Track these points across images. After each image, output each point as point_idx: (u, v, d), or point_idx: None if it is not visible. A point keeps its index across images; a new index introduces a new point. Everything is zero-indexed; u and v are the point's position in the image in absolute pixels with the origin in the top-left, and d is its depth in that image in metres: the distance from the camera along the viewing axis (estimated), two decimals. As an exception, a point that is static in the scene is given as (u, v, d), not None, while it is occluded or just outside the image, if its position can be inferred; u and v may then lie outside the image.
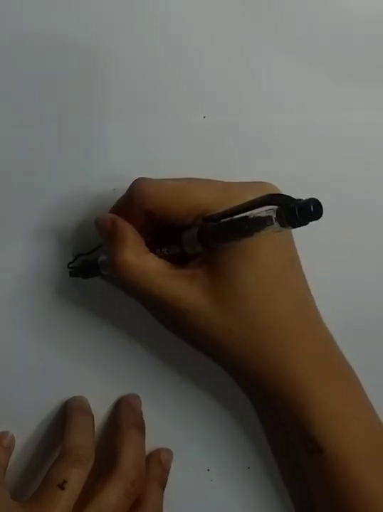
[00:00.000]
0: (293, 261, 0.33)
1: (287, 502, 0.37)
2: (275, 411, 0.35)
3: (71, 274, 0.36)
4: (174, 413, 0.37)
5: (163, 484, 0.35)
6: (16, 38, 0.37)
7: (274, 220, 0.26)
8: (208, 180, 0.32)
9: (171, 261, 0.32)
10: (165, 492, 0.36)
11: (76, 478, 0.31)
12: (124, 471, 0.32)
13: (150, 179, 0.32)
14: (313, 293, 0.33)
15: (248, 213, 0.27)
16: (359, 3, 0.39)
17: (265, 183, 0.32)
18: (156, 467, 0.35)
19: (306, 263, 0.33)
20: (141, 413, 0.36)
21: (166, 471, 0.36)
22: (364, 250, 0.38)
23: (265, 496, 0.37)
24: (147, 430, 0.36)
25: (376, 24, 0.39)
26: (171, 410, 0.37)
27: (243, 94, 0.38)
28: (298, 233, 0.30)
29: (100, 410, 0.37)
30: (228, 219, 0.28)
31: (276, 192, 0.31)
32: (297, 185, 0.38)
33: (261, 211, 0.26)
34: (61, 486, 0.30)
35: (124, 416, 0.35)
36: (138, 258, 0.31)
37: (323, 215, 0.25)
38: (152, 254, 0.32)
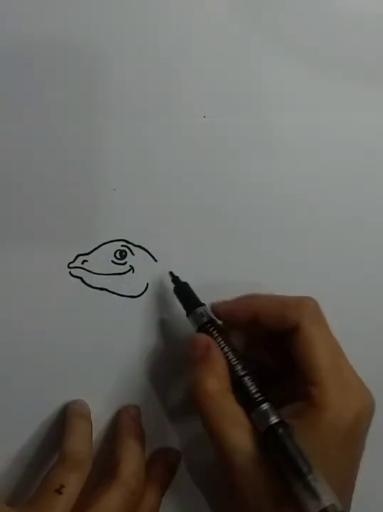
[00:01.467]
0: (357, 438, 0.31)
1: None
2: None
3: (71, 274, 0.36)
4: (174, 413, 0.37)
5: (164, 486, 0.35)
6: (16, 38, 0.37)
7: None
8: (346, 363, 0.32)
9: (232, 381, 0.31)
10: (165, 492, 0.36)
11: (73, 483, 0.30)
12: (125, 479, 0.32)
13: (321, 312, 0.32)
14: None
15: (314, 469, 0.27)
16: (359, 3, 0.39)
17: (372, 397, 0.31)
18: (159, 468, 0.35)
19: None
20: (141, 423, 0.36)
21: (172, 473, 0.35)
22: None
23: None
24: (147, 430, 0.36)
25: (376, 24, 0.39)
26: (172, 410, 0.37)
27: (243, 94, 0.38)
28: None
29: (101, 416, 0.37)
30: (294, 452, 0.28)
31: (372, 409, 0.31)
32: (297, 186, 0.38)
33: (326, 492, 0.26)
34: (58, 491, 0.30)
35: (125, 425, 0.35)
36: (219, 394, 0.30)
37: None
38: (233, 396, 0.31)
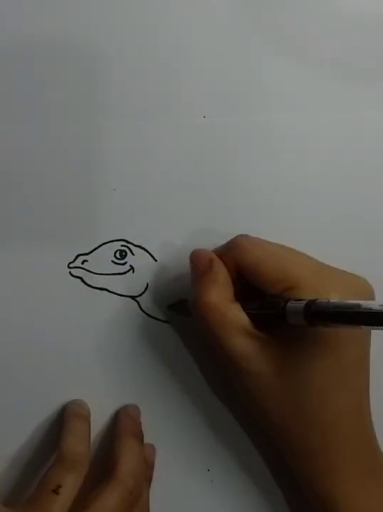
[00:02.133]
0: (364, 358, 0.32)
1: (288, 502, 0.37)
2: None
3: (71, 274, 0.36)
4: (174, 413, 0.37)
5: (149, 480, 0.35)
6: (16, 38, 0.37)
7: None
8: (305, 256, 0.33)
9: (252, 319, 0.32)
10: (165, 492, 0.36)
11: (70, 483, 0.30)
12: (123, 479, 0.32)
13: (253, 238, 0.33)
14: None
15: (361, 302, 0.26)
16: (359, 3, 0.39)
17: (359, 277, 0.32)
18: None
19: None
20: (140, 424, 0.36)
21: (151, 466, 0.36)
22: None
23: (265, 496, 0.37)
24: (147, 430, 0.36)
25: (376, 24, 0.39)
26: (172, 410, 0.37)
27: (243, 94, 0.38)
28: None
29: (100, 416, 0.37)
30: (340, 302, 0.28)
31: (369, 288, 0.32)
32: (297, 186, 0.38)
33: (374, 304, 0.26)
34: (56, 491, 0.30)
35: (124, 425, 0.35)
36: (223, 304, 0.31)
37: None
38: (238, 304, 0.32)
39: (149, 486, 0.35)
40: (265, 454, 0.37)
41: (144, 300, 0.37)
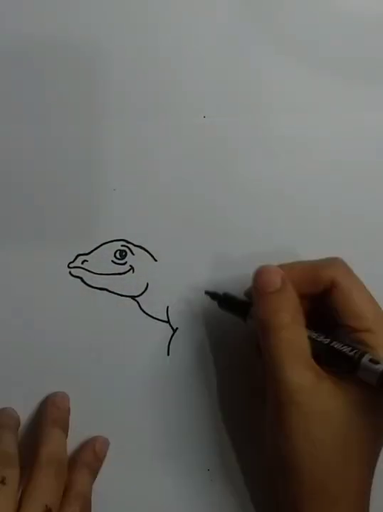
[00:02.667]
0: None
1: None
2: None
3: (71, 274, 0.36)
4: (174, 413, 0.37)
5: (93, 471, 0.36)
6: (16, 38, 0.37)
7: None
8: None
9: (316, 347, 0.31)
10: (165, 493, 0.36)
11: (11, 476, 0.32)
12: (45, 461, 0.33)
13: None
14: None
15: None
16: (359, 3, 0.39)
17: None
18: (89, 454, 0.36)
19: None
20: (67, 411, 0.36)
21: (100, 459, 0.36)
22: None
23: (265, 496, 0.37)
24: (147, 430, 0.36)
25: (376, 24, 0.39)
26: (172, 410, 0.37)
27: (243, 94, 0.38)
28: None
29: (100, 416, 0.37)
30: None
31: None
32: (297, 186, 0.38)
33: None
34: (2, 482, 0.32)
35: (48, 414, 0.36)
36: (296, 328, 0.30)
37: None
38: (307, 329, 0.31)
39: (94, 478, 0.36)
40: (265, 454, 0.37)
41: (144, 300, 0.37)
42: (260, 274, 0.32)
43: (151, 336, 0.37)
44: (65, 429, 0.36)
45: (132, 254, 0.37)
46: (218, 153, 0.38)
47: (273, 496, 0.33)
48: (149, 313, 0.37)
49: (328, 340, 0.31)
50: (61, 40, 0.38)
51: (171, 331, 0.37)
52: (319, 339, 0.31)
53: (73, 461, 0.35)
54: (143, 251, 0.37)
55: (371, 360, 0.29)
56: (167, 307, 0.37)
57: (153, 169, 0.38)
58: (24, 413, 0.36)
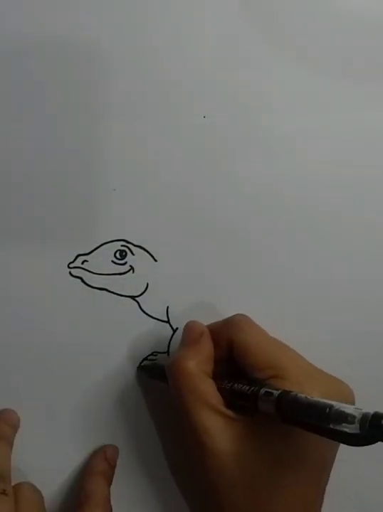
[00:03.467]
0: (328, 464, 0.32)
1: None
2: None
3: (71, 274, 0.36)
4: (174, 413, 0.37)
5: (109, 479, 0.36)
6: (16, 38, 0.37)
7: (357, 421, 0.24)
8: (297, 354, 0.33)
9: (225, 397, 0.32)
10: (166, 493, 0.36)
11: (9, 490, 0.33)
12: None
13: (252, 321, 0.34)
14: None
15: (334, 403, 0.26)
16: (359, 3, 0.39)
17: (345, 384, 0.32)
18: (102, 463, 0.36)
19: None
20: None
21: (112, 466, 0.36)
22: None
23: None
24: (147, 430, 0.36)
25: (376, 24, 0.39)
26: (172, 411, 0.37)
27: (243, 94, 0.38)
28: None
29: (100, 415, 0.37)
30: (312, 399, 0.27)
31: (351, 397, 0.31)
32: (297, 186, 0.38)
33: (347, 407, 0.25)
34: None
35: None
36: (199, 375, 0.31)
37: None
38: (212, 381, 0.32)
39: (110, 485, 0.36)
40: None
41: (144, 300, 0.37)
42: (184, 329, 0.35)
43: (151, 336, 0.37)
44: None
45: (132, 254, 0.37)
46: (218, 153, 0.38)
47: None
48: (149, 313, 0.37)
49: (230, 384, 0.31)
50: (61, 40, 0.37)
51: (171, 331, 0.37)
52: (223, 385, 0.32)
53: (88, 471, 0.36)
54: (143, 251, 0.37)
55: (266, 393, 0.29)
56: (167, 307, 0.37)
57: (153, 169, 0.38)
58: (24, 413, 0.36)
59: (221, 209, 0.38)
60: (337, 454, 0.32)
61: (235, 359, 0.33)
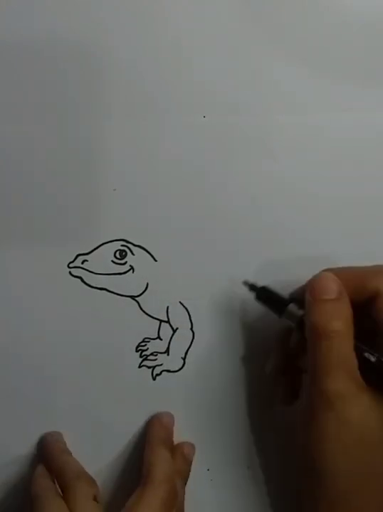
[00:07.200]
0: None
1: (287, 502, 0.37)
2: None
3: (71, 274, 0.36)
4: (174, 413, 0.37)
5: (185, 479, 0.36)
6: (16, 38, 0.37)
7: None
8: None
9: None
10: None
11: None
12: (159, 483, 0.33)
13: None
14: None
15: None
16: (359, 3, 0.39)
17: None
18: (180, 461, 0.36)
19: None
20: (172, 432, 0.36)
21: (189, 464, 0.36)
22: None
23: (265, 495, 0.37)
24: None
25: (376, 24, 0.39)
26: (172, 410, 0.37)
27: (243, 94, 0.38)
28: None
29: (100, 416, 0.37)
30: None
31: None
32: (297, 186, 0.38)
33: None
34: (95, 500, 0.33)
35: (156, 433, 0.36)
36: (347, 336, 0.30)
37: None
38: (356, 341, 0.31)
39: (185, 483, 0.36)
40: (265, 455, 0.37)
41: (144, 300, 0.37)
42: (318, 281, 0.32)
43: (152, 336, 0.37)
44: (172, 449, 0.36)
45: (132, 254, 0.37)
46: (218, 153, 0.38)
47: (296, 498, 0.33)
48: (149, 313, 0.37)
49: (375, 356, 0.31)
50: (61, 40, 0.37)
51: (171, 331, 0.37)
52: (366, 354, 0.31)
53: (148, 440, 0.35)
54: (143, 251, 0.37)
55: None
56: (167, 307, 0.37)
57: (153, 169, 0.38)
58: (24, 413, 0.36)
59: (221, 209, 0.38)
60: None
61: (374, 311, 0.31)
